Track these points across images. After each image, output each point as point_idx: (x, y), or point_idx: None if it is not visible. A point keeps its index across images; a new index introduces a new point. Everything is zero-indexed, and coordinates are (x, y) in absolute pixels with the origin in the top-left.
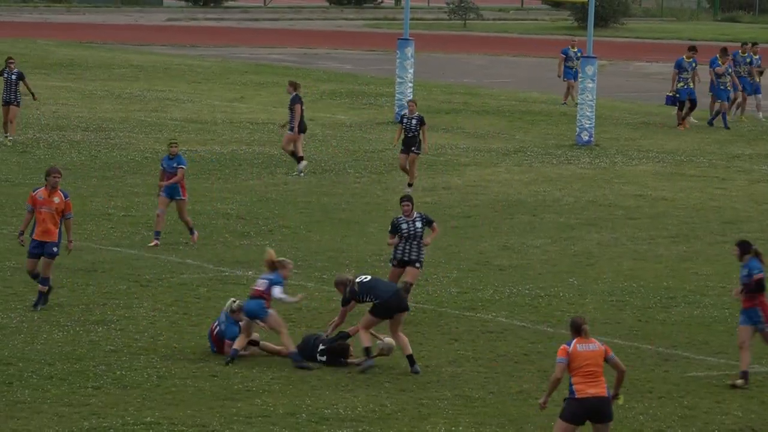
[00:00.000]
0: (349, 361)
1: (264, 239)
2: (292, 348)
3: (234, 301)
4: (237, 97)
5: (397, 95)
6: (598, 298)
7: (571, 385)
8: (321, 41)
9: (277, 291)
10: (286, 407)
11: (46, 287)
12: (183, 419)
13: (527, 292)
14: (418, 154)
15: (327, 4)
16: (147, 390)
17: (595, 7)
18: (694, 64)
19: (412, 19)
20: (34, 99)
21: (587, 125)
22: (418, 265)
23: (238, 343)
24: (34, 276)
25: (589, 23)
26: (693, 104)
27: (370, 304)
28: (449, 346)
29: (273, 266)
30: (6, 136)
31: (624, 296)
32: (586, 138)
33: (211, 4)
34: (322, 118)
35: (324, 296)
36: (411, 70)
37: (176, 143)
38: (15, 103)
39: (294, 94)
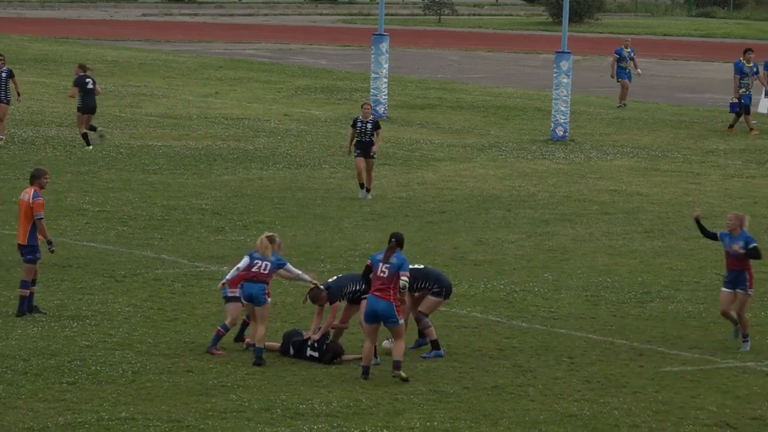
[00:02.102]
0: (345, 359)
1: (239, 234)
2: (260, 344)
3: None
4: (212, 93)
5: (372, 90)
6: (572, 293)
7: None
8: (296, 37)
9: (292, 268)
10: (261, 402)
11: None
12: (158, 414)
13: (502, 287)
14: (374, 158)
15: None
16: (122, 385)
17: (570, 2)
18: (755, 69)
19: (386, 14)
20: (18, 98)
21: (562, 120)
22: None
23: (260, 340)
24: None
25: (564, 18)
26: (747, 110)
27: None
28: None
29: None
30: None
31: (599, 291)
32: (561, 133)
33: (186, 0)
34: (297, 114)
35: (299, 291)
36: (386, 66)
37: None
38: (5, 101)
39: (80, 74)
